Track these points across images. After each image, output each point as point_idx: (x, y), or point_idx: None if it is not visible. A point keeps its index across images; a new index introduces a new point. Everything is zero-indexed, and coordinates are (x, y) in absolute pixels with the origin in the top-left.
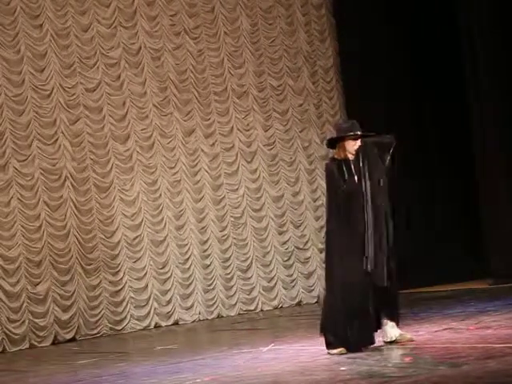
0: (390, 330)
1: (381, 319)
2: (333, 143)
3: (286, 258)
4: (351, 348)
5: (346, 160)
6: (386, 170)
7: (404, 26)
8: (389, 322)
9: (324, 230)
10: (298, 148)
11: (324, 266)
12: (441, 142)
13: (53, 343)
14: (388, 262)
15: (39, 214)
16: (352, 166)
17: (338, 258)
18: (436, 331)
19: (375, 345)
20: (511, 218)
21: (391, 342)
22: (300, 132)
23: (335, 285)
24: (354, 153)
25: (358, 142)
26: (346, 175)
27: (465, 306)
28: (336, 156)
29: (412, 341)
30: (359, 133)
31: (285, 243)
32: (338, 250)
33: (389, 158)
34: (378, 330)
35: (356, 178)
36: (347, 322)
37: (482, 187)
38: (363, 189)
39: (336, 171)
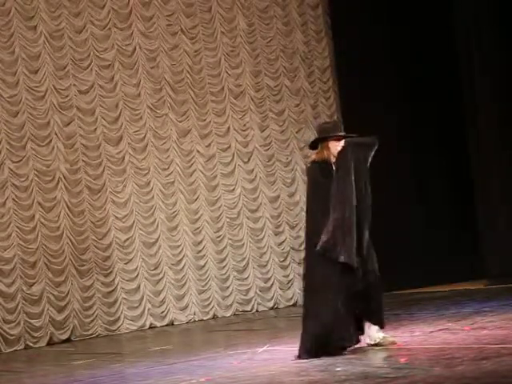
0: (374, 332)
1: (363, 322)
2: (315, 145)
3: (282, 259)
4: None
5: (328, 162)
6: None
7: (401, 25)
8: (372, 325)
9: None
10: (295, 149)
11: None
12: (437, 142)
13: (48, 344)
14: (366, 263)
15: (33, 215)
16: (334, 169)
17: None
18: (431, 332)
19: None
20: (506, 219)
21: (375, 345)
22: (296, 132)
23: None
24: (336, 154)
25: (342, 143)
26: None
27: (460, 306)
28: (317, 158)
29: (394, 343)
30: (342, 133)
31: (281, 244)
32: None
33: (370, 159)
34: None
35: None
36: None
37: (477, 187)
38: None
39: (319, 174)
